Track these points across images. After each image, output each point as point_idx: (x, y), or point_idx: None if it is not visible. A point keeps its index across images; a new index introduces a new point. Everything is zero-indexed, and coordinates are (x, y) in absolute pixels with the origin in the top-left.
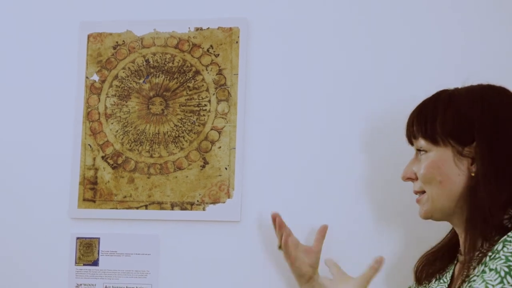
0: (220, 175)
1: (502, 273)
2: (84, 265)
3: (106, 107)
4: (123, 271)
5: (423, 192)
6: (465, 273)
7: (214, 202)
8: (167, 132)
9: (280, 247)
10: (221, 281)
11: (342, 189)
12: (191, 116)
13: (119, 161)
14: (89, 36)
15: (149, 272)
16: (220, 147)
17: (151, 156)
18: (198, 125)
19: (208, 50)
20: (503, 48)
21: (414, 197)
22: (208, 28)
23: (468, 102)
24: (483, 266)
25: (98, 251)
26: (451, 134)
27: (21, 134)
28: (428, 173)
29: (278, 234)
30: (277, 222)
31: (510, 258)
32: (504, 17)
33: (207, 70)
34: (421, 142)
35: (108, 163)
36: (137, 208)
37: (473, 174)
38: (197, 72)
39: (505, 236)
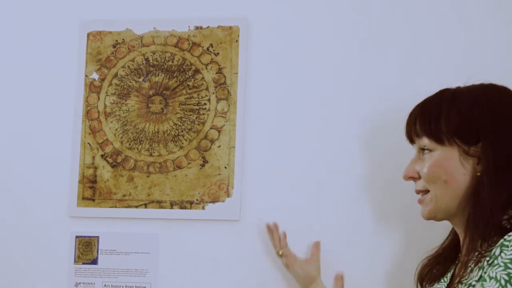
0: (219, 174)
1: (503, 282)
2: (83, 263)
3: (105, 106)
4: (122, 269)
5: (426, 191)
6: (461, 272)
7: (213, 201)
8: (167, 130)
9: (279, 254)
10: (221, 280)
11: (342, 188)
12: (190, 114)
13: (119, 160)
14: (88, 35)
15: (148, 270)
16: (219, 146)
17: (151, 155)
18: (198, 124)
19: (208, 49)
20: (503, 48)
21: (414, 196)
22: (208, 27)
23: (473, 101)
24: (481, 270)
25: (97, 249)
26: (457, 133)
27: (20, 132)
28: (433, 172)
29: (274, 240)
30: (273, 228)
31: (509, 265)
32: (504, 17)
33: (206, 69)
34: (425, 141)
35: (108, 162)
36: (136, 206)
37: (478, 174)
38: (197, 71)
39: (502, 240)
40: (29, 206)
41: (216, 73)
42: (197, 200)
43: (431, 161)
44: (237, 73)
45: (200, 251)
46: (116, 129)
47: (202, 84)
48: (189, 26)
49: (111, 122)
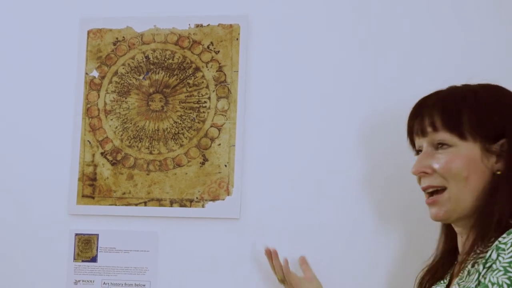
0: (219, 172)
1: (505, 286)
2: (82, 261)
3: (105, 103)
4: (122, 267)
5: (441, 189)
6: (460, 272)
7: (213, 199)
8: (167, 128)
9: (281, 280)
10: (220, 278)
11: (342, 186)
12: (190, 113)
13: (118, 158)
14: (89, 32)
15: (147, 268)
16: (219, 144)
17: (151, 153)
18: (198, 122)
19: (208, 47)
20: (503, 48)
21: (413, 195)
22: (209, 25)
23: (495, 98)
24: (477, 274)
25: (97, 247)
26: (480, 130)
27: (20, 130)
28: (455, 168)
29: (274, 266)
30: (272, 254)
31: (508, 269)
32: (504, 17)
33: (207, 67)
34: (444, 136)
35: (107, 160)
36: (136, 204)
37: (499, 173)
38: (197, 69)
39: (496, 242)
40: (29, 203)
41: (217, 71)
42: (197, 198)
43: (453, 156)
44: (237, 71)
45: (199, 250)
46: (116, 127)
47: (203, 82)
48: (189, 24)
49: (111, 119)
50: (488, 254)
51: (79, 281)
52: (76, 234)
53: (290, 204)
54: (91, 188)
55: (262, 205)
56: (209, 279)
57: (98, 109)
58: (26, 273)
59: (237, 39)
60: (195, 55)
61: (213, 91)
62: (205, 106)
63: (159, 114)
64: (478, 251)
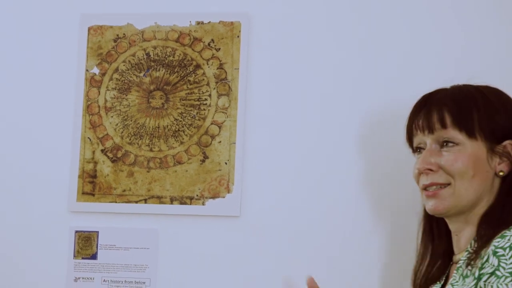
0: (220, 170)
1: None
2: (82, 258)
3: (106, 100)
4: (122, 265)
5: (445, 185)
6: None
7: (213, 197)
8: (167, 126)
9: None
10: (220, 276)
11: (342, 184)
12: (191, 110)
13: (119, 155)
14: (89, 29)
15: (147, 266)
16: (220, 142)
17: (151, 150)
18: (198, 119)
19: (209, 44)
20: (503, 48)
21: (415, 195)
22: (210, 22)
23: (500, 100)
24: (474, 278)
25: (97, 244)
26: (489, 130)
27: (20, 126)
28: (464, 166)
29: None
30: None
31: None
32: (504, 17)
33: (208, 64)
34: (452, 133)
35: (108, 157)
36: (136, 202)
37: (501, 173)
38: (198, 66)
39: (492, 247)
40: (29, 200)
41: (217, 68)
42: (197, 195)
43: (460, 155)
44: (238, 68)
45: (200, 247)
46: (117, 124)
47: (203, 79)
48: (190, 21)
49: (112, 116)
50: (484, 259)
51: (79, 278)
52: (76, 231)
53: (290, 202)
54: (91, 185)
55: (263, 203)
56: (209, 277)
57: (99, 106)
58: (26, 271)
59: (238, 36)
60: (196, 52)
61: (214, 88)
62: (206, 104)
63: (159, 111)
64: (471, 250)
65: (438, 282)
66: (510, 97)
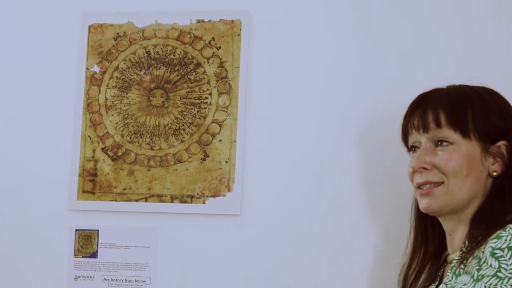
0: (220, 168)
1: None
2: (83, 257)
3: (106, 99)
4: (122, 263)
5: (439, 183)
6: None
7: (214, 195)
8: (168, 124)
9: None
10: (221, 275)
11: (343, 183)
12: (192, 108)
13: (119, 153)
14: (90, 27)
15: (148, 264)
16: (220, 140)
17: (151, 149)
18: (199, 118)
19: (209, 43)
20: (503, 48)
21: (410, 192)
22: (210, 20)
23: (495, 101)
24: (470, 278)
25: (97, 243)
26: (483, 130)
27: (21, 125)
28: (457, 166)
29: None
30: None
31: None
32: (504, 17)
33: (208, 62)
34: (447, 132)
35: (108, 155)
36: (136, 200)
37: (495, 174)
38: (198, 65)
39: (489, 248)
40: (29, 199)
41: (218, 67)
42: (197, 194)
43: (454, 154)
44: (238, 67)
45: (200, 246)
46: (117, 122)
47: (204, 78)
48: (191, 20)
49: (112, 115)
50: (482, 260)
51: (79, 276)
52: (77, 230)
53: (290, 201)
54: (92, 184)
55: (263, 202)
56: (209, 276)
57: (99, 105)
58: (26, 269)
59: (238, 34)
60: (197, 50)
61: (214, 87)
62: (206, 102)
63: (160, 109)
64: (464, 249)
65: (432, 284)
66: (505, 98)
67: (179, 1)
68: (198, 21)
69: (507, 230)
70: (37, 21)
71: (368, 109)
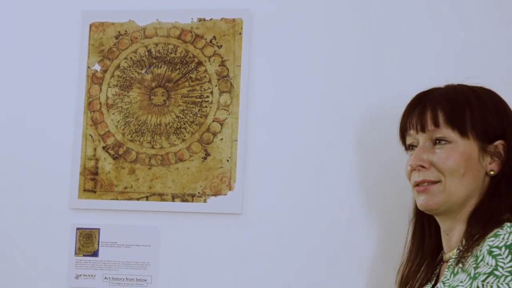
0: (221, 167)
1: None
2: (84, 255)
3: (107, 97)
4: (123, 262)
5: (436, 182)
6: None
7: (215, 194)
8: (169, 123)
9: None
10: (222, 274)
11: (344, 182)
12: (193, 107)
13: (120, 152)
14: (91, 26)
15: (149, 263)
16: (222, 139)
17: (153, 147)
18: (200, 117)
19: (211, 41)
20: (503, 48)
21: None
22: (211, 19)
23: (493, 100)
24: (467, 276)
25: (98, 242)
26: (481, 129)
27: (22, 123)
28: (455, 164)
29: None
30: None
31: None
32: (504, 17)
33: (209, 61)
34: (445, 131)
35: (109, 154)
36: (137, 199)
37: (492, 173)
38: (200, 63)
39: (486, 246)
40: (30, 197)
41: (219, 65)
42: (198, 193)
43: (452, 152)
44: (240, 65)
45: (201, 245)
46: (118, 121)
47: (205, 76)
48: (192, 18)
49: (113, 114)
50: (480, 258)
51: (80, 275)
52: (78, 228)
53: (292, 199)
54: (93, 182)
55: (264, 200)
56: (210, 275)
57: (100, 103)
58: (27, 268)
59: (240, 33)
60: (198, 49)
61: (216, 85)
62: (208, 101)
63: (161, 108)
64: (461, 248)
65: (429, 283)
66: (502, 98)
67: (180, 0)
68: (200, 20)
69: (504, 228)
70: (38, 20)
71: (369, 108)
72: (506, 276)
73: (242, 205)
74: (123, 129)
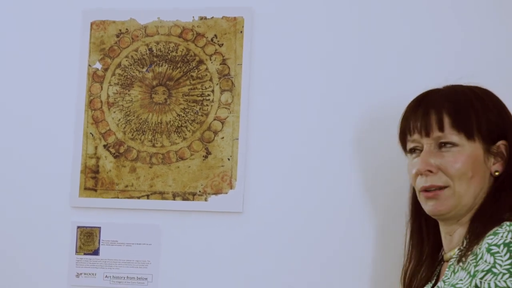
0: (222, 166)
1: None
2: (84, 254)
3: (108, 96)
4: (124, 260)
5: (444, 187)
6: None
7: (216, 193)
8: (170, 121)
9: None
10: (223, 272)
11: (345, 181)
12: (194, 106)
13: (121, 150)
14: (92, 24)
15: (150, 262)
16: (223, 138)
17: (154, 146)
18: (201, 115)
19: (212, 40)
20: (503, 48)
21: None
22: (212, 17)
23: (492, 100)
24: (467, 274)
25: (99, 240)
26: (486, 131)
27: (22, 122)
28: (463, 168)
29: None
30: None
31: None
32: (504, 17)
33: (210, 59)
34: (451, 135)
35: (110, 152)
36: (138, 197)
37: (497, 173)
38: (201, 62)
39: (485, 244)
40: (31, 196)
41: (220, 64)
42: (199, 191)
43: (460, 156)
44: (241, 64)
45: (202, 243)
46: (119, 119)
47: (206, 75)
48: (193, 17)
49: (114, 112)
50: (479, 256)
51: (81, 274)
52: (78, 227)
53: (293, 198)
54: (94, 181)
55: (265, 199)
56: (211, 273)
57: (101, 102)
58: (28, 266)
59: (241, 32)
60: (199, 47)
61: (217, 84)
62: (209, 99)
63: (162, 107)
64: (462, 247)
65: (429, 282)
66: (498, 97)
67: None
68: (201, 18)
69: (503, 227)
70: (39, 18)
71: (369, 108)
72: (504, 274)
73: (243, 204)
74: (124, 127)
